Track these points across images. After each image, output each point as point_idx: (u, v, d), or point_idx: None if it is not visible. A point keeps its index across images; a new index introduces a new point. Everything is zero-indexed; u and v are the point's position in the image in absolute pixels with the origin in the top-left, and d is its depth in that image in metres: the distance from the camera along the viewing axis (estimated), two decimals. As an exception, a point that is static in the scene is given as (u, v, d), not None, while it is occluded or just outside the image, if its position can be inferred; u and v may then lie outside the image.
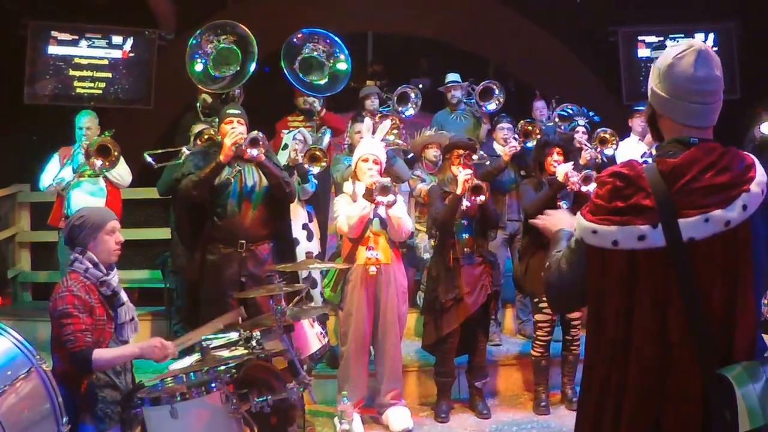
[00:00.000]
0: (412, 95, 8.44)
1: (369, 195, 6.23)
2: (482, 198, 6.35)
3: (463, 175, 6.40)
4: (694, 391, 2.50)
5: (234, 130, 6.10)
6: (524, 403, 7.05)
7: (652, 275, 2.55)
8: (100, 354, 4.33)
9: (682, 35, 10.54)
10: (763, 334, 4.14)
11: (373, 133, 6.66)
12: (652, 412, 2.55)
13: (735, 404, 2.40)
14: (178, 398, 4.24)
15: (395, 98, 8.39)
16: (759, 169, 2.59)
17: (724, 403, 2.43)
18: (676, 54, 2.65)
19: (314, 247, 7.37)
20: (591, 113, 8.47)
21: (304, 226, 7.36)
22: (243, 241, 6.05)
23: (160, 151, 7.44)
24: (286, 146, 7.34)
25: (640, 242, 2.55)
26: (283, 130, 7.93)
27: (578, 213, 2.74)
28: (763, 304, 4.98)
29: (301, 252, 7.14)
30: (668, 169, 2.60)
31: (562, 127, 8.45)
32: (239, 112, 6.32)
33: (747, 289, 2.53)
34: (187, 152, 7.05)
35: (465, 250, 6.55)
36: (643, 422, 2.56)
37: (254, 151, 5.97)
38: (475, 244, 6.61)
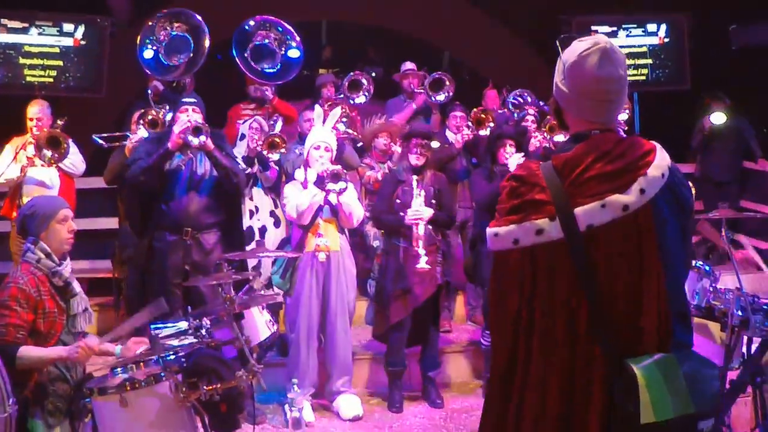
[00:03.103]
0: (364, 82, 8.43)
1: (320, 182, 6.26)
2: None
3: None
4: (598, 382, 2.51)
5: (183, 118, 6.08)
6: (474, 389, 7.12)
7: (553, 269, 2.57)
8: (26, 352, 4.28)
9: (635, 25, 10.68)
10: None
11: (324, 120, 6.69)
12: (561, 407, 2.56)
13: (638, 395, 2.42)
14: (127, 388, 4.23)
15: (346, 85, 8.38)
16: (660, 153, 2.62)
17: (626, 393, 2.44)
18: (580, 51, 2.67)
19: (282, 233, 7.36)
20: (541, 102, 8.54)
21: (272, 213, 7.34)
22: (188, 229, 6.00)
23: (109, 135, 7.44)
24: (243, 136, 7.33)
25: (538, 237, 2.58)
26: (238, 120, 7.92)
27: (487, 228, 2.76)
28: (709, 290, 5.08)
29: (269, 239, 7.16)
30: (561, 162, 2.64)
31: (515, 115, 8.52)
32: (195, 100, 6.28)
33: (653, 275, 2.54)
34: (132, 136, 7.10)
35: (419, 242, 6.47)
36: (550, 418, 2.56)
37: (196, 140, 5.95)
38: (428, 236, 6.57)
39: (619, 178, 2.57)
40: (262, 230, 7.21)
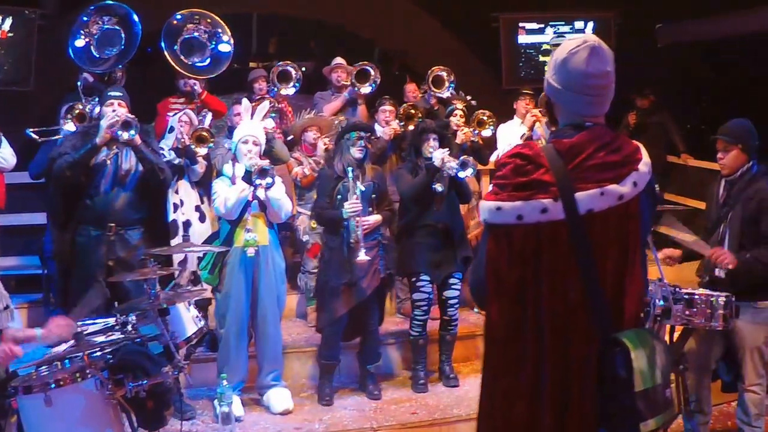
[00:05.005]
0: (293, 72, 8.41)
1: (248, 177, 6.28)
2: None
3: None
4: (594, 354, 2.67)
5: (112, 113, 6.05)
6: (403, 381, 7.18)
7: (554, 246, 2.71)
8: None
9: (562, 23, 10.89)
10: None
11: (252, 114, 6.70)
12: (563, 374, 2.70)
13: (631, 365, 2.60)
14: (52, 386, 4.22)
15: (275, 76, 8.34)
16: (644, 151, 2.82)
17: (619, 363, 2.62)
18: (570, 49, 2.81)
19: (207, 228, 7.30)
20: (468, 97, 8.63)
21: (197, 208, 7.28)
22: (112, 224, 5.99)
23: (42, 129, 7.36)
24: (172, 129, 7.29)
25: (543, 215, 2.71)
26: (168, 113, 7.87)
27: (482, 201, 2.87)
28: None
29: (194, 234, 7.12)
30: (565, 148, 2.79)
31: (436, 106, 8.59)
32: (120, 94, 6.27)
33: (635, 259, 2.74)
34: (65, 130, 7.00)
35: (357, 234, 6.49)
36: (559, 387, 2.70)
37: (125, 134, 5.93)
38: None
39: (617, 169, 2.75)
40: (186, 224, 7.14)
